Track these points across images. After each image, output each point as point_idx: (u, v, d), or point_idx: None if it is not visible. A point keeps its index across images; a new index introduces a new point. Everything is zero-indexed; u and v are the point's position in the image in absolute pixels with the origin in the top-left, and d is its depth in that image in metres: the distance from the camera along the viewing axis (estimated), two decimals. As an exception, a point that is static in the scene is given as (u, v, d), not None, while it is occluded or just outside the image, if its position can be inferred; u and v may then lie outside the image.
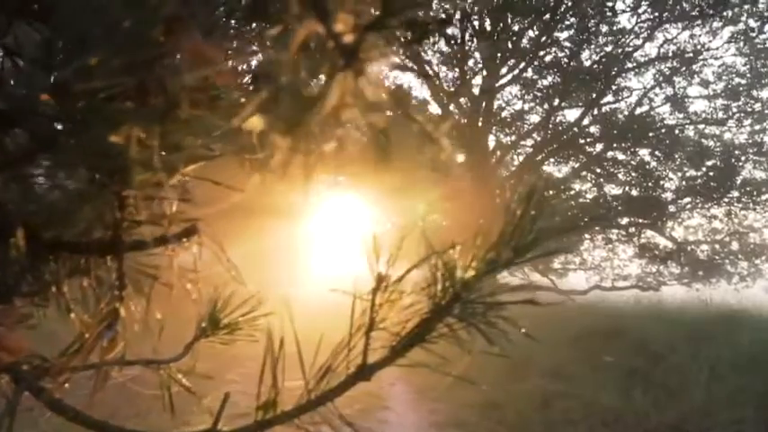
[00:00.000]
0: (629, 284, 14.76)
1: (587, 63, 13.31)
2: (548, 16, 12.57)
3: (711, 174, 13.19)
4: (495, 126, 14.41)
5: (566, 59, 13.25)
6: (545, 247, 0.57)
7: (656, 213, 13.53)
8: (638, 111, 13.76)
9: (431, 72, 13.45)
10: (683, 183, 13.78)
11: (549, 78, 13.60)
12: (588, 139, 14.17)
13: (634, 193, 13.84)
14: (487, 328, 0.54)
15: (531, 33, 13.37)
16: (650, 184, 13.62)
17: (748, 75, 13.11)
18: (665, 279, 14.51)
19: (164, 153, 0.48)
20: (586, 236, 14.94)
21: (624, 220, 14.22)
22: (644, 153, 13.92)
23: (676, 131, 13.59)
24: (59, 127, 0.48)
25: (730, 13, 12.46)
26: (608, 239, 14.96)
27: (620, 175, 14.16)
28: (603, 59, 13.07)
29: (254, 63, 0.57)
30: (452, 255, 0.55)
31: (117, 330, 0.58)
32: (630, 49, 13.22)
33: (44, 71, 0.51)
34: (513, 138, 14.77)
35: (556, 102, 13.66)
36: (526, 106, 14.46)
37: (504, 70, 13.47)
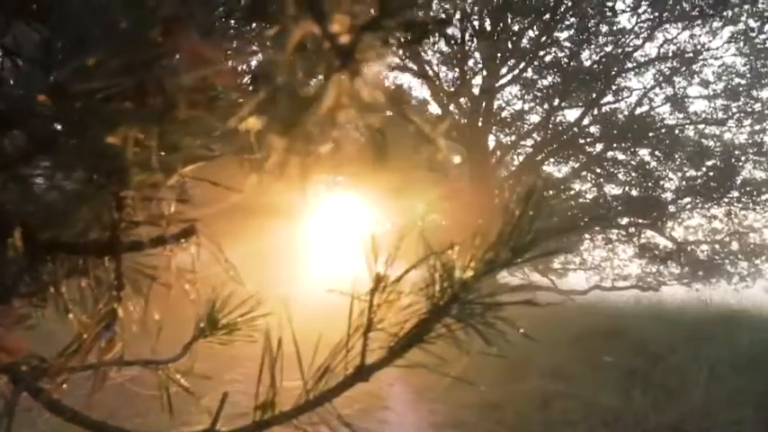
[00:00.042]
0: (629, 284, 14.77)
1: (587, 63, 13.32)
2: (548, 16, 12.57)
3: (711, 174, 13.19)
4: (495, 126, 14.41)
5: (566, 59, 13.25)
6: (543, 248, 0.57)
7: (656, 213, 13.53)
8: (638, 111, 13.77)
9: (431, 72, 13.46)
10: (683, 183, 13.79)
11: (549, 78, 13.61)
12: (588, 139, 14.17)
13: (634, 193, 13.84)
14: (485, 328, 0.54)
15: (531, 33, 13.38)
16: (650, 184, 13.62)
17: (748, 75, 13.12)
18: (665, 279, 14.51)
19: (162, 154, 0.48)
20: (586, 236, 14.95)
21: (624, 220, 14.22)
22: (644, 153, 13.94)
23: (676, 131, 13.60)
24: (57, 128, 0.48)
25: (730, 13, 12.47)
26: (608, 239, 14.96)
27: (620, 175, 14.17)
28: (603, 59, 13.07)
29: (254, 63, 0.57)
30: (451, 255, 0.55)
31: (115, 331, 0.58)
32: (630, 49, 13.23)
33: (42, 71, 0.51)
34: (513, 138, 14.78)
35: (556, 102, 13.66)
36: (526, 106, 14.47)
37: (504, 70, 13.48)
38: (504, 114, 14.54)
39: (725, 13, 12.40)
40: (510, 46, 13.22)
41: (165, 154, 0.48)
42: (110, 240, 0.56)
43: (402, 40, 0.31)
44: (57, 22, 0.52)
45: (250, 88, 0.51)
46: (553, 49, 13.27)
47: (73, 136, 0.45)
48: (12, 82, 0.57)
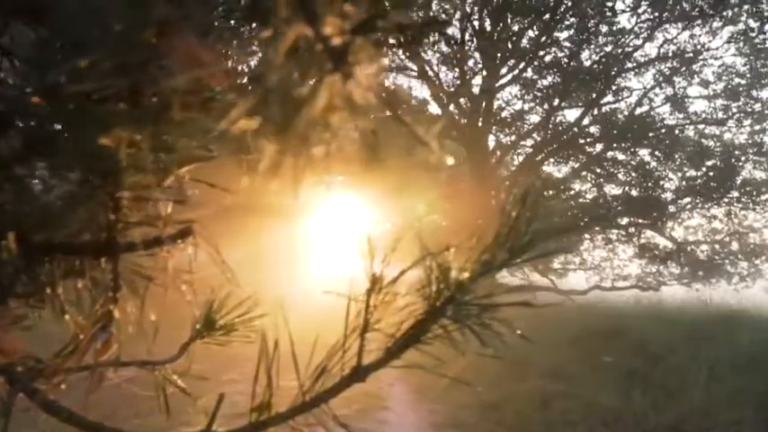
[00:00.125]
0: (628, 284, 14.76)
1: (587, 63, 13.31)
2: (548, 16, 12.57)
3: (711, 174, 13.19)
4: (495, 126, 14.41)
5: (566, 59, 13.25)
6: (541, 249, 0.57)
7: (656, 213, 13.52)
8: (638, 111, 13.76)
9: (431, 72, 13.46)
10: (683, 183, 13.78)
11: (549, 78, 13.60)
12: (588, 139, 14.16)
13: (634, 193, 13.83)
14: (482, 329, 0.54)
15: (531, 33, 13.37)
16: (650, 184, 13.61)
17: (748, 75, 13.11)
18: (665, 279, 14.51)
19: (158, 155, 0.48)
20: (586, 236, 14.95)
21: (624, 221, 14.21)
22: (644, 153, 13.93)
23: (676, 131, 13.59)
24: (53, 129, 0.48)
25: (730, 13, 12.46)
26: (608, 239, 14.96)
27: (620, 176, 14.16)
28: (603, 59, 13.07)
29: (253, 64, 0.56)
30: (447, 256, 0.55)
31: (111, 332, 0.58)
32: (630, 49, 13.22)
33: (38, 72, 0.50)
34: (513, 138, 14.77)
35: (556, 102, 13.65)
36: (526, 106, 14.46)
37: (503, 70, 13.48)
38: (504, 114, 14.54)
39: (725, 14, 12.39)
40: (510, 46, 13.22)
41: (161, 155, 0.48)
42: (106, 241, 0.56)
43: (396, 41, 0.31)
44: (54, 23, 0.53)
45: (248, 89, 0.51)
46: (553, 49, 13.27)
47: (67, 137, 0.45)
48: (11, 82, 0.57)
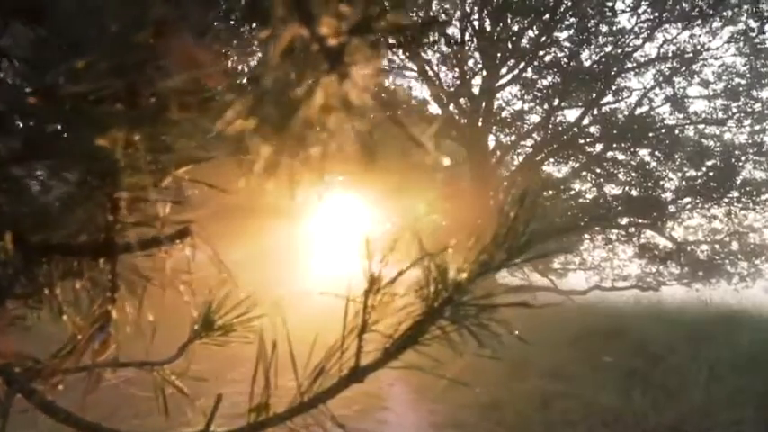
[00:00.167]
0: (628, 284, 14.77)
1: (587, 63, 13.31)
2: (548, 16, 12.56)
3: (711, 174, 13.18)
4: (495, 126, 14.40)
5: (565, 59, 13.25)
6: (539, 249, 0.57)
7: (655, 213, 13.52)
8: (638, 111, 13.76)
9: (431, 72, 13.46)
10: (683, 183, 13.78)
11: (549, 78, 13.60)
12: (588, 139, 14.16)
13: (634, 193, 13.83)
14: (479, 330, 0.54)
15: (530, 33, 13.37)
16: (650, 184, 13.61)
17: (748, 75, 13.11)
18: (665, 279, 14.51)
19: (155, 155, 0.48)
20: (586, 236, 14.96)
21: (624, 221, 14.21)
22: (644, 153, 13.93)
23: (676, 131, 13.59)
24: (51, 129, 0.48)
25: (730, 14, 12.46)
26: (608, 239, 14.96)
27: (619, 176, 14.16)
28: (603, 59, 13.06)
29: (252, 64, 0.56)
30: (445, 256, 0.55)
31: (109, 332, 0.58)
32: (630, 50, 13.22)
33: (36, 72, 0.50)
34: (513, 138, 14.76)
35: (556, 102, 13.65)
36: (526, 106, 14.46)
37: (503, 70, 13.47)
38: (503, 114, 14.53)
39: (725, 14, 12.39)
40: (510, 46, 13.22)
41: (159, 156, 0.48)
42: (104, 242, 0.56)
43: (396, 41, 0.31)
44: (52, 24, 0.52)
45: (246, 89, 0.51)
46: (553, 49, 13.27)
47: (65, 138, 0.45)
48: (9, 82, 0.57)
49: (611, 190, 14.42)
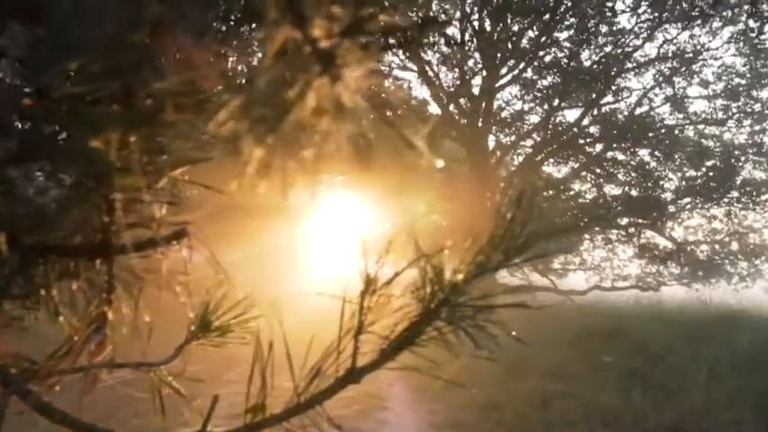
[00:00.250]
0: (628, 285, 14.77)
1: (587, 63, 13.31)
2: (547, 16, 12.56)
3: (711, 174, 13.19)
4: (495, 126, 14.41)
5: (565, 60, 13.25)
6: (538, 250, 0.57)
7: (655, 213, 13.52)
8: (638, 111, 13.77)
9: (431, 72, 13.46)
10: (683, 183, 13.79)
11: (549, 78, 13.60)
12: (588, 140, 14.17)
13: (634, 193, 13.83)
14: (476, 331, 0.54)
15: (530, 33, 13.37)
16: (650, 184, 13.61)
17: (748, 75, 13.12)
18: (665, 279, 14.51)
19: (151, 156, 0.48)
20: (586, 236, 14.96)
21: (624, 221, 14.22)
22: (644, 153, 13.94)
23: (676, 132, 13.60)
24: (47, 130, 0.48)
25: (730, 14, 12.46)
26: (608, 240, 14.96)
27: (619, 176, 14.16)
28: (603, 60, 13.07)
29: (250, 65, 0.56)
30: (442, 257, 0.55)
31: (105, 333, 0.58)
32: (630, 50, 13.23)
33: (32, 72, 0.50)
34: (513, 138, 14.77)
35: (556, 102, 13.65)
36: (526, 106, 14.47)
37: (503, 70, 13.48)
38: (503, 115, 14.54)
39: (725, 14, 12.39)
40: (510, 46, 13.22)
41: (155, 157, 0.48)
42: (101, 243, 0.56)
43: (396, 42, 0.31)
44: (50, 24, 0.52)
45: (240, 90, 0.50)
46: (553, 49, 13.27)
47: (61, 139, 0.45)
48: (8, 81, 0.57)
49: (611, 190, 14.44)
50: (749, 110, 13.34)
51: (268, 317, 0.69)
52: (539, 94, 13.88)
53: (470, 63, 13.61)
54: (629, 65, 13.39)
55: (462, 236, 0.56)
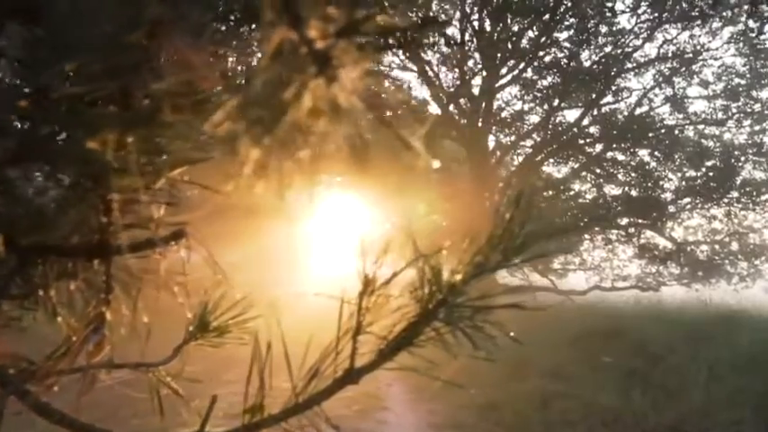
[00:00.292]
0: (628, 285, 14.78)
1: (587, 63, 13.32)
2: (547, 17, 12.57)
3: (711, 174, 13.19)
4: (495, 126, 14.41)
5: (565, 60, 13.25)
6: (536, 250, 0.57)
7: (655, 214, 13.52)
8: (638, 111, 13.78)
9: (431, 73, 13.46)
10: (683, 183, 13.79)
11: (549, 79, 13.60)
12: (588, 140, 14.17)
13: (634, 193, 13.84)
14: (474, 332, 0.54)
15: (530, 34, 13.38)
16: (650, 184, 13.62)
17: (748, 75, 13.12)
18: (665, 279, 14.52)
19: (149, 157, 0.48)
20: (586, 236, 14.96)
21: (624, 221, 14.22)
22: (644, 153, 13.94)
23: (676, 132, 13.60)
24: (45, 131, 0.48)
25: (730, 14, 12.47)
26: (608, 240, 14.96)
27: (619, 176, 14.17)
28: (603, 60, 13.07)
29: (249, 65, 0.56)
30: (440, 258, 0.55)
31: (104, 334, 0.58)
32: (630, 50, 13.24)
33: (30, 73, 0.50)
34: (513, 138, 14.77)
35: (555, 102, 13.66)
36: (526, 107, 14.48)
37: (503, 71, 13.48)
38: (503, 115, 14.55)
39: (724, 14, 12.40)
40: (510, 46, 13.22)
41: (153, 157, 0.48)
42: (99, 243, 0.56)
43: (396, 42, 0.31)
44: (48, 24, 0.52)
45: (238, 91, 0.50)
46: (553, 49, 13.28)
47: (59, 139, 0.45)
48: (7, 82, 0.57)
49: (611, 190, 14.45)
50: (749, 110, 13.34)
51: (266, 317, 0.69)
52: (539, 94, 13.89)
53: (470, 63, 13.63)
54: (629, 65, 13.40)
55: (462, 236, 0.56)
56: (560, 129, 14.16)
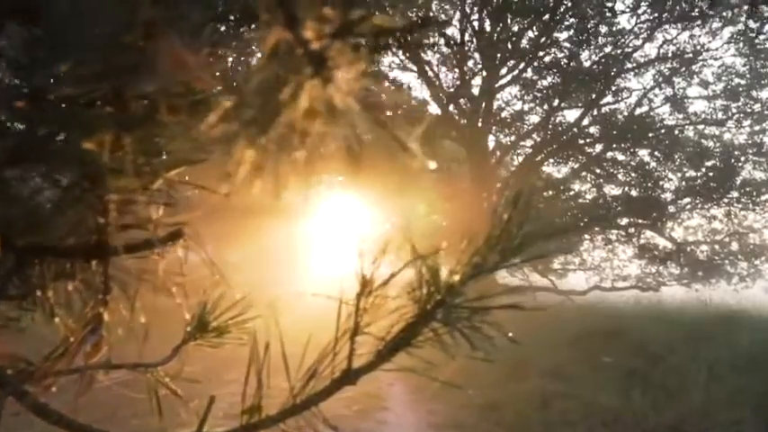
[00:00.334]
0: (628, 285, 14.77)
1: (587, 63, 13.32)
2: (547, 17, 12.57)
3: (711, 174, 13.19)
4: (495, 126, 14.41)
5: (565, 60, 13.25)
6: (535, 250, 0.57)
7: (655, 214, 13.52)
8: (638, 111, 13.78)
9: (431, 73, 13.46)
10: (683, 183, 13.80)
11: (549, 79, 13.60)
12: (588, 140, 14.17)
13: (634, 193, 13.84)
14: (472, 332, 0.54)
15: (530, 34, 13.38)
16: (650, 184, 13.62)
17: (748, 75, 13.12)
18: (665, 279, 14.52)
19: (147, 158, 0.48)
20: (586, 236, 14.96)
21: (624, 221, 14.22)
22: (644, 153, 13.95)
23: (676, 132, 13.60)
24: (41, 132, 0.48)
25: (730, 14, 12.47)
26: (608, 240, 14.96)
27: (619, 176, 14.17)
28: (603, 60, 13.07)
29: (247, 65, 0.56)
30: (437, 258, 0.55)
31: (102, 334, 0.58)
32: (630, 50, 13.24)
33: (26, 74, 0.50)
34: (513, 138, 14.77)
35: (555, 102, 13.66)
36: (526, 107, 14.48)
37: (503, 71, 13.48)
38: (503, 115, 14.54)
39: (724, 14, 12.40)
40: (510, 46, 13.22)
41: (150, 158, 0.48)
42: (96, 244, 0.56)
43: (389, 44, 0.31)
44: (46, 25, 0.52)
45: (234, 91, 0.50)
46: (553, 49, 13.28)
47: (56, 140, 0.45)
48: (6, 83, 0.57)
49: (611, 190, 14.45)
50: (749, 110, 13.34)
51: (265, 317, 0.69)
52: (539, 95, 13.89)
53: (470, 63, 13.63)
54: (629, 65, 13.40)
55: (461, 236, 0.56)
56: (560, 129, 14.16)
